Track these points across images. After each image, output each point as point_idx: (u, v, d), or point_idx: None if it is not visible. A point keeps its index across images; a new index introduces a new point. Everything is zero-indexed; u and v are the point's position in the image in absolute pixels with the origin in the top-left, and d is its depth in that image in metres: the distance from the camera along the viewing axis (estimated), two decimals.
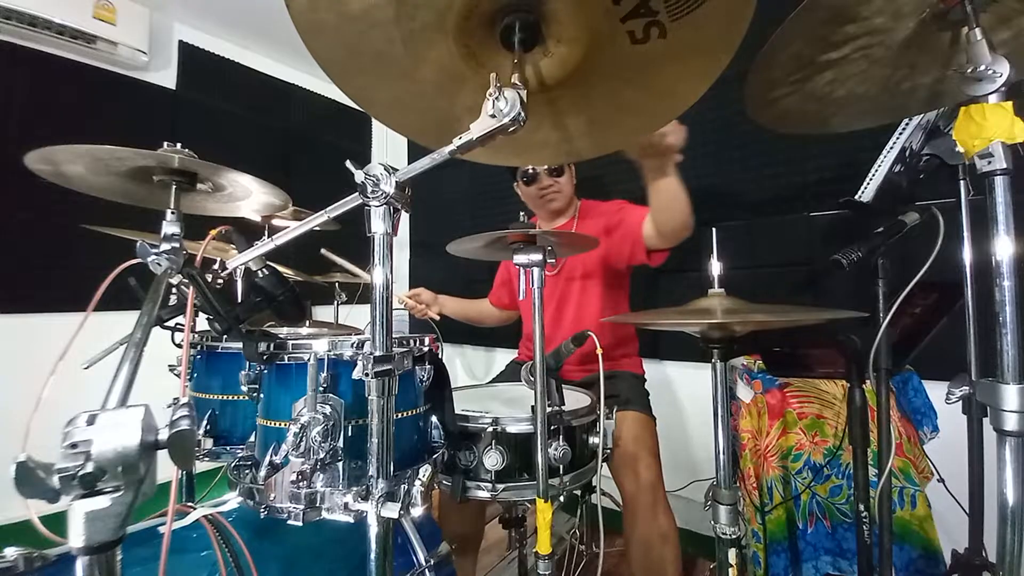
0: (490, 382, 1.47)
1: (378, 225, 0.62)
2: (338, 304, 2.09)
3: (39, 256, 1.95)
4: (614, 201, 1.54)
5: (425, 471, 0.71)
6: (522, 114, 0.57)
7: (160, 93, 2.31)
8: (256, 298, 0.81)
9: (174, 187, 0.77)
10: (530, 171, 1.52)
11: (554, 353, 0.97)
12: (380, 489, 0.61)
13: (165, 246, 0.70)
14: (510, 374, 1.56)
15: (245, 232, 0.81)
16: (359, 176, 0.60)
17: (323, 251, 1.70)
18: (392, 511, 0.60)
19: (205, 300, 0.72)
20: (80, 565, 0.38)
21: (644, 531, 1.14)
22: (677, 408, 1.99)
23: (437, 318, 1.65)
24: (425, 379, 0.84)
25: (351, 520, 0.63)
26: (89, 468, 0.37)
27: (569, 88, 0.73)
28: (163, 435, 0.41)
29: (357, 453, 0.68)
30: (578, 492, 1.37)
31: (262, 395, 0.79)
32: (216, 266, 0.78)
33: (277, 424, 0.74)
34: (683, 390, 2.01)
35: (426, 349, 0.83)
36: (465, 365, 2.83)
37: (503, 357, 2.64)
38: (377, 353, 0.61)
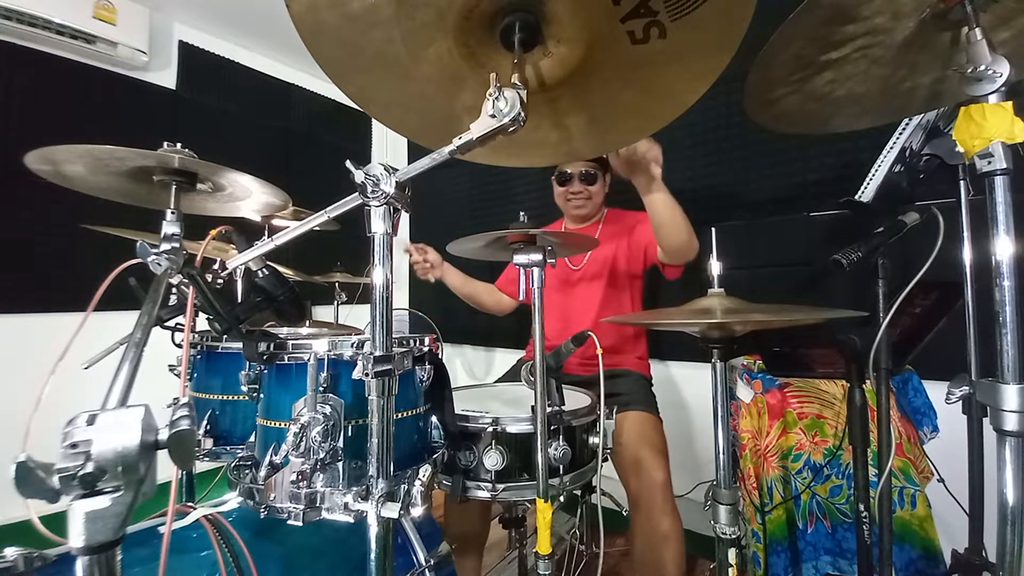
0: (496, 381, 1.47)
1: (378, 225, 0.62)
2: (338, 304, 2.09)
3: (39, 256, 1.95)
4: (642, 212, 1.53)
5: (425, 471, 0.71)
6: (522, 114, 0.57)
7: (160, 93, 2.31)
8: (256, 298, 0.81)
9: (174, 187, 0.77)
10: (567, 171, 1.52)
11: (554, 353, 0.97)
12: (380, 489, 0.61)
13: (165, 246, 0.70)
14: (515, 374, 1.56)
15: (245, 232, 0.81)
16: (359, 176, 0.60)
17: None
18: (392, 511, 0.60)
19: (205, 300, 0.72)
20: (80, 565, 0.38)
21: (650, 531, 1.14)
22: (677, 408, 1.99)
23: (433, 280, 1.63)
24: (425, 379, 0.84)
25: (351, 520, 0.63)
26: (89, 468, 0.37)
27: (569, 88, 0.73)
28: (163, 435, 0.41)
29: (357, 453, 0.68)
30: (578, 492, 1.37)
31: (262, 395, 0.79)
32: (216, 266, 0.78)
33: (277, 424, 0.74)
34: (683, 390, 2.01)
35: (426, 349, 0.83)
36: (465, 365, 2.83)
37: (503, 357, 2.64)
38: (377, 353, 0.61)
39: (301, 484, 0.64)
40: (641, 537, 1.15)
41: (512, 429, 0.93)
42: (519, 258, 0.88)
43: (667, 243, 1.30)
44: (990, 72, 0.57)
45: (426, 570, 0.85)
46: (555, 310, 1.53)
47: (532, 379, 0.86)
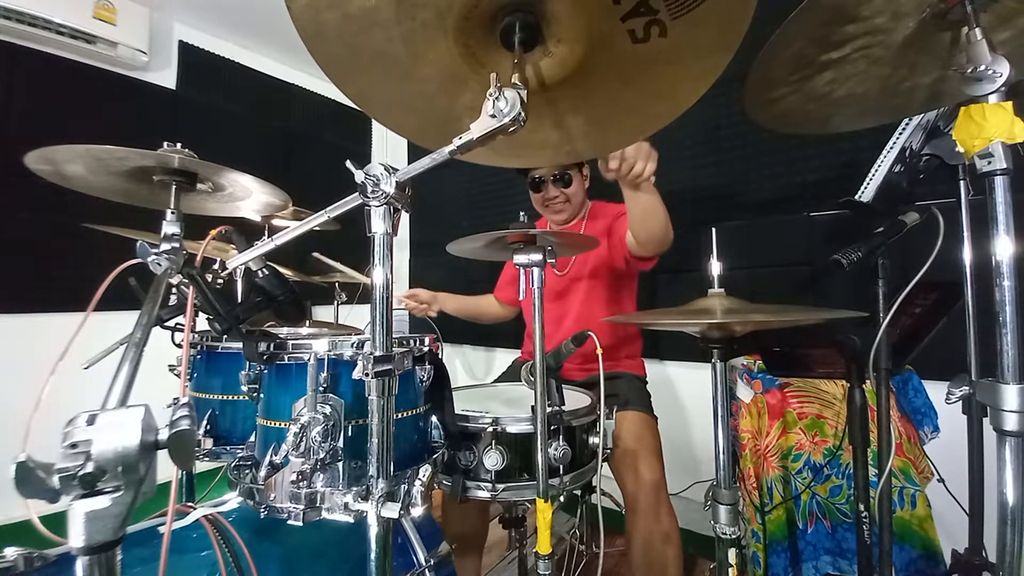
0: (493, 382, 1.47)
1: (378, 225, 0.62)
2: (338, 304, 2.09)
3: (39, 256, 1.95)
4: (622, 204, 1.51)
5: (425, 471, 0.71)
6: (522, 114, 0.57)
7: (160, 93, 2.31)
8: (256, 298, 0.81)
9: (174, 187, 0.77)
10: (536, 178, 1.45)
11: (554, 353, 0.97)
12: (380, 489, 0.61)
13: (165, 246, 0.70)
14: (512, 374, 1.56)
15: (245, 232, 0.81)
16: (359, 176, 0.60)
17: (315, 254, 1.68)
18: (392, 511, 0.60)
19: (205, 300, 0.72)
20: (80, 565, 0.38)
21: (646, 532, 1.13)
22: (677, 408, 1.99)
23: (434, 314, 1.64)
24: (425, 379, 0.84)
25: (351, 520, 0.63)
26: (89, 468, 0.37)
27: (569, 88, 0.73)
28: (163, 435, 0.41)
29: (357, 453, 0.68)
30: (578, 492, 1.37)
31: (262, 395, 0.79)
32: (216, 266, 0.79)
33: (277, 424, 0.74)
34: (683, 390, 2.01)
35: (426, 349, 0.83)
36: (465, 365, 2.83)
37: (503, 357, 2.64)
38: (377, 353, 0.61)
39: (301, 484, 0.64)
40: (638, 538, 1.15)
41: (512, 429, 0.93)
42: (519, 258, 0.88)
43: (641, 236, 1.23)
44: (990, 72, 0.57)
45: (426, 570, 0.85)
46: (546, 317, 1.50)
47: (532, 379, 0.86)
